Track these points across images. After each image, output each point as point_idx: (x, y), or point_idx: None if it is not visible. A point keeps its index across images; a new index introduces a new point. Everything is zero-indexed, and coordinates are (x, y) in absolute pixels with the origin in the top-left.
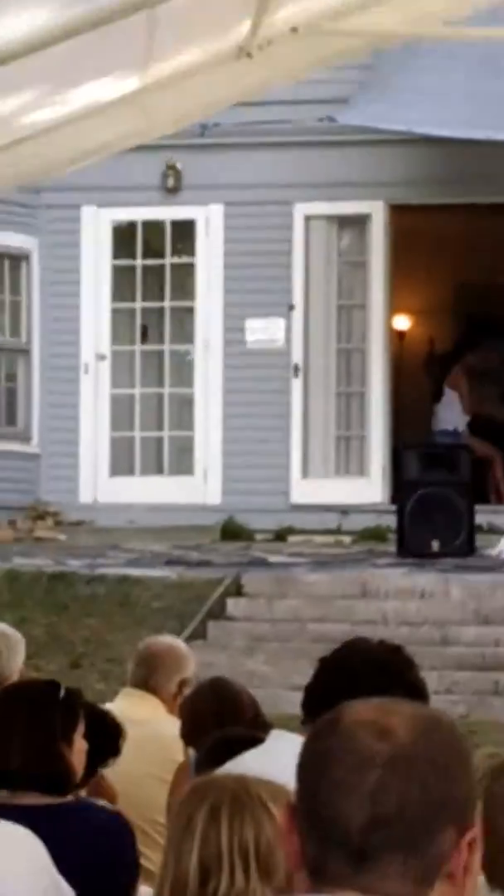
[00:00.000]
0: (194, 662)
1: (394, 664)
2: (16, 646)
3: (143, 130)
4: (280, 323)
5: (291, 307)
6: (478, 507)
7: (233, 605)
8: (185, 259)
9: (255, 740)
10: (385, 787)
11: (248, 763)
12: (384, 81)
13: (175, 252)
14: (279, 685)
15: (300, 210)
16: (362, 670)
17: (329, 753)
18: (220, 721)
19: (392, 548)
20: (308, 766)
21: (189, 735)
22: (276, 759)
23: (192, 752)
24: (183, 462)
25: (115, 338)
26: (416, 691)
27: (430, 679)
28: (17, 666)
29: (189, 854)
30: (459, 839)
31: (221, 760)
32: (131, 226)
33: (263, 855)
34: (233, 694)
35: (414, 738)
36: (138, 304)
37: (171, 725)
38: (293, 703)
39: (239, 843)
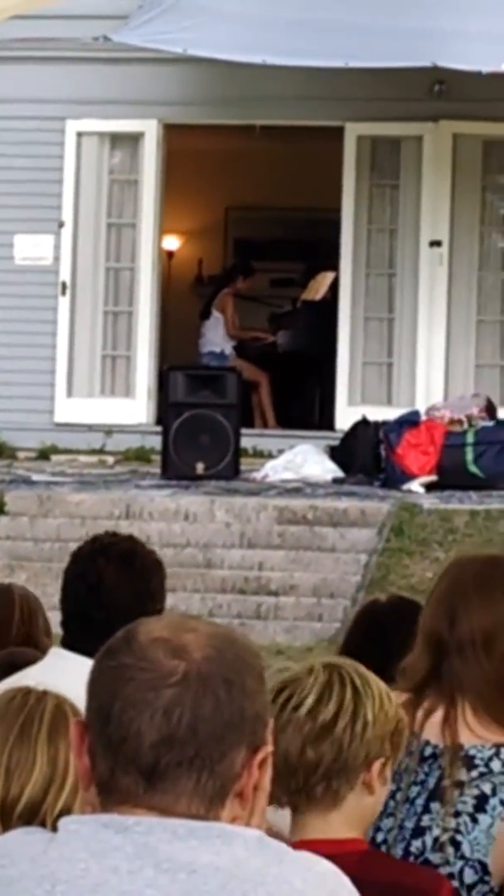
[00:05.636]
0: None
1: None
2: None
3: None
4: (49, 240)
5: (61, 224)
6: (243, 431)
7: None
8: None
9: (34, 659)
10: (178, 704)
11: (34, 678)
12: (162, 1)
13: None
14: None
15: (72, 126)
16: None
17: (123, 671)
18: None
19: (157, 469)
20: (101, 683)
21: None
22: (59, 676)
23: None
24: None
25: None
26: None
27: (194, 601)
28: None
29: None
30: (251, 758)
31: (1, 677)
32: None
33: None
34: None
35: (208, 655)
36: None
37: None
38: (54, 622)
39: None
